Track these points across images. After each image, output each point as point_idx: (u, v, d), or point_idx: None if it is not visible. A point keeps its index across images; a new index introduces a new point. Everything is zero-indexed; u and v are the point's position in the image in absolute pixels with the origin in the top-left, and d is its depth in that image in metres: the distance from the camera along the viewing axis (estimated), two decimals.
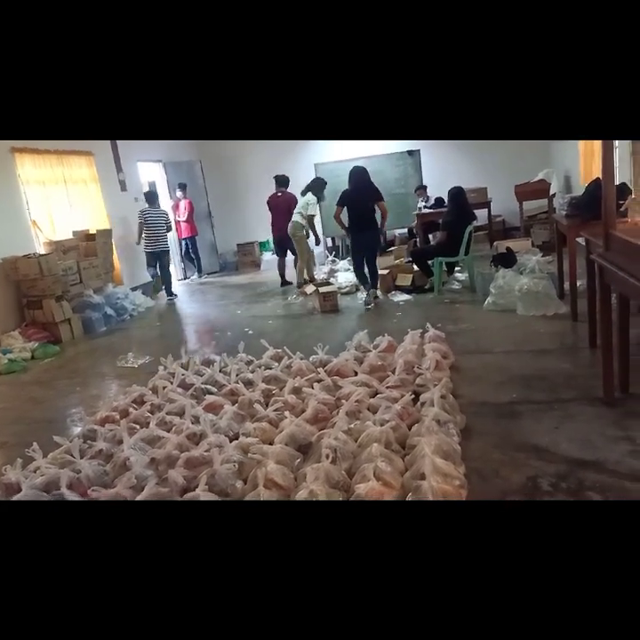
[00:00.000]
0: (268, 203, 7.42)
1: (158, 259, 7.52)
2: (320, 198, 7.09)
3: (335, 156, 9.39)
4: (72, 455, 2.69)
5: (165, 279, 7.67)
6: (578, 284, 4.21)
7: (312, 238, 7.14)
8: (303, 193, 7.09)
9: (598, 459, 2.35)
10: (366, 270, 5.76)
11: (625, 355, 2.82)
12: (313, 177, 7.91)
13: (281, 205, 7.23)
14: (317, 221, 7.56)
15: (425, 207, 7.97)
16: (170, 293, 7.66)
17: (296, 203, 7.13)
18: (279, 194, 7.36)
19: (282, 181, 7.39)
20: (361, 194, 5.54)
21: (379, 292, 5.94)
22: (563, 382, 3.18)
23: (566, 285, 4.58)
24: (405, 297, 5.89)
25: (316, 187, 7.06)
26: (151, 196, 7.59)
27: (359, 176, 5.64)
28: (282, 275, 7.55)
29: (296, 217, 6.91)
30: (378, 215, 5.59)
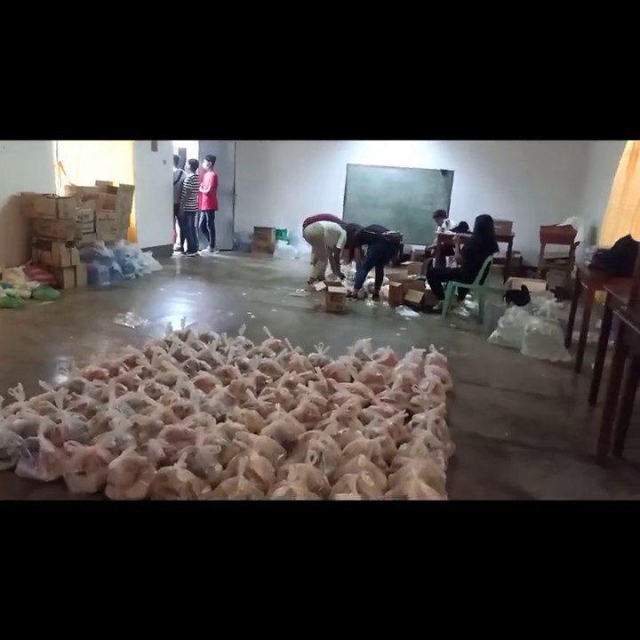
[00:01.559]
0: None
1: (193, 217, 8.72)
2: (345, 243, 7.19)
3: (368, 160, 9.34)
4: (54, 404, 2.64)
5: (195, 236, 8.83)
6: (588, 337, 4.17)
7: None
8: (346, 229, 7.02)
9: None
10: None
11: (626, 417, 2.79)
12: (344, 175, 7.82)
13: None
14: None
15: (447, 229, 7.93)
16: (193, 250, 8.75)
17: None
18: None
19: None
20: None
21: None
22: (556, 432, 3.14)
23: (575, 335, 4.55)
24: (412, 313, 5.85)
25: (350, 234, 6.98)
26: (195, 164, 8.53)
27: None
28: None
29: (320, 226, 6.84)
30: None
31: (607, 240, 5.64)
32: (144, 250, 7.24)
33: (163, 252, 8.05)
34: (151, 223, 7.81)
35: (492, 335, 4.91)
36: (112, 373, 3.23)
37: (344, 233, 6.93)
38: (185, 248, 8.88)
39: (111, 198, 6.64)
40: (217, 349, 3.73)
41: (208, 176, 8.91)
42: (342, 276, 7.19)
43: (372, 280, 6.58)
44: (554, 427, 3.20)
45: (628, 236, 4.06)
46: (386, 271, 6.77)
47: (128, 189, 6.93)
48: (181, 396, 2.91)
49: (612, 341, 2.78)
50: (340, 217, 7.43)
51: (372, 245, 6.54)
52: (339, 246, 7.04)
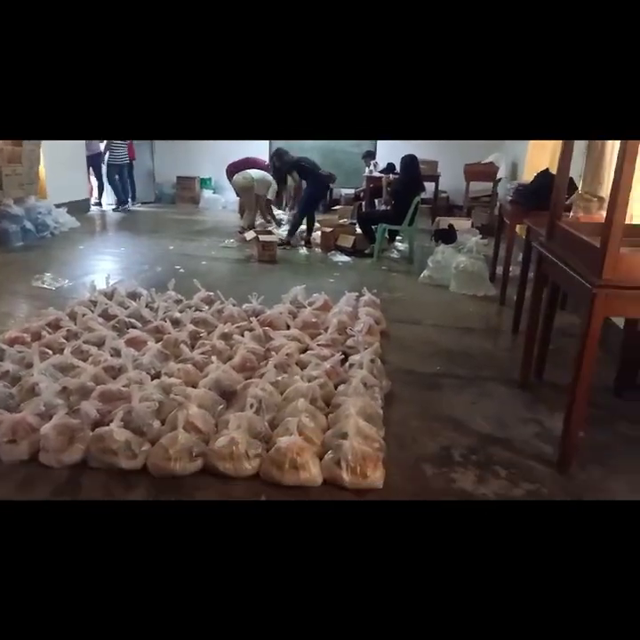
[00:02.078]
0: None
1: (120, 169, 8.41)
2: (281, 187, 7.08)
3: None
4: None
5: (125, 190, 8.55)
6: (510, 270, 4.36)
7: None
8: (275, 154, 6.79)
9: (508, 436, 2.47)
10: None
11: (545, 343, 2.97)
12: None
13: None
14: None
15: (375, 171, 7.91)
16: (124, 202, 8.48)
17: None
18: None
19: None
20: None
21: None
22: (484, 361, 3.31)
23: (499, 270, 4.74)
24: (344, 258, 5.87)
25: (280, 159, 6.71)
26: None
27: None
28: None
29: (249, 176, 6.62)
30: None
31: (531, 174, 5.81)
32: (57, 206, 6.78)
33: (79, 208, 7.57)
34: (63, 177, 7.28)
35: (422, 275, 5.03)
36: (34, 338, 3.05)
37: (274, 183, 6.78)
38: (108, 202, 8.47)
39: (16, 151, 6.10)
40: (146, 306, 3.60)
41: None
42: (278, 223, 7.07)
43: (304, 227, 6.51)
44: (482, 357, 3.36)
45: (546, 170, 4.20)
46: (316, 217, 6.72)
47: (34, 141, 6.38)
48: (112, 355, 2.81)
49: (533, 273, 2.91)
50: (265, 159, 7.21)
51: (307, 186, 6.44)
52: (269, 197, 6.90)
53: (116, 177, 8.37)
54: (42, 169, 6.66)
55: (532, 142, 6.82)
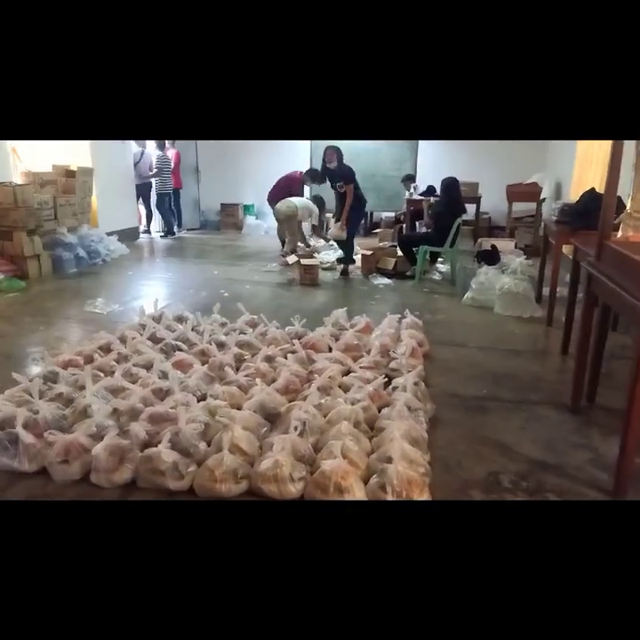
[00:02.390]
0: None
1: (169, 198, 8.72)
2: (320, 214, 7.23)
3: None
4: (30, 395, 2.59)
5: (175, 217, 8.95)
6: (557, 291, 4.25)
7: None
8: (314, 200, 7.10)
9: (559, 463, 2.39)
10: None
11: (597, 365, 2.87)
12: (309, 145, 7.77)
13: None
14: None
15: (416, 194, 7.92)
16: (171, 232, 8.82)
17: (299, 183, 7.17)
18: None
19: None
20: (333, 175, 5.95)
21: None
22: (532, 384, 3.22)
23: (545, 291, 4.63)
24: (385, 281, 5.87)
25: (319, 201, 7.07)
26: (162, 144, 8.50)
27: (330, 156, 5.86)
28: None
29: (293, 205, 6.72)
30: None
31: (577, 193, 5.71)
32: (109, 234, 7.07)
33: (128, 235, 7.88)
34: (113, 206, 7.60)
35: (465, 296, 4.97)
36: (87, 361, 3.17)
37: (316, 209, 6.92)
38: (156, 229, 8.81)
39: (70, 182, 6.43)
40: (192, 329, 3.69)
41: (170, 154, 8.69)
42: (294, 250, 6.99)
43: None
44: (529, 380, 3.28)
45: (592, 189, 4.11)
46: (356, 241, 6.75)
47: (87, 172, 6.72)
48: (159, 378, 2.88)
49: (581, 294, 2.83)
50: (298, 173, 7.29)
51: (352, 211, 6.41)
52: (314, 223, 7.03)
53: (166, 205, 8.68)
54: (94, 199, 6.98)
55: (578, 161, 6.71)
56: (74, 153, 6.88)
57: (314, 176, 6.87)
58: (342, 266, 6.17)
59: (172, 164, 8.65)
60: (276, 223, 7.20)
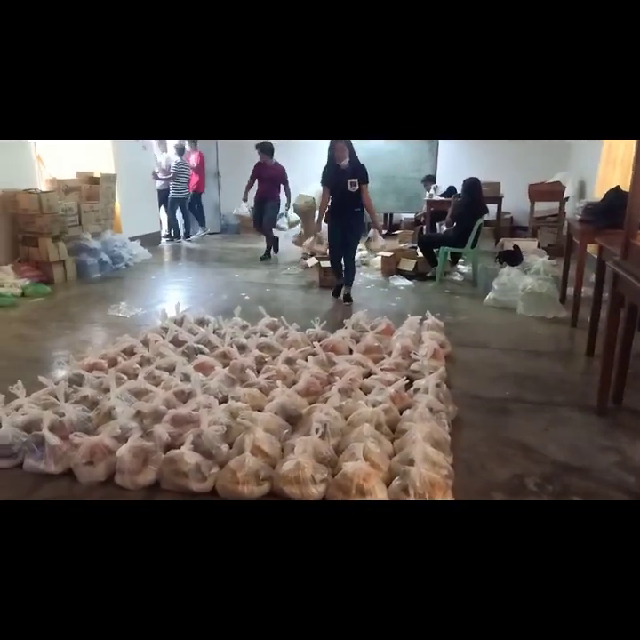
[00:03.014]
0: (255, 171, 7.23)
1: (182, 203, 8.65)
2: None
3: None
4: (56, 397, 2.64)
5: (186, 223, 8.87)
6: (582, 291, 4.18)
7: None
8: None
9: (585, 465, 2.35)
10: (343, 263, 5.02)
11: (624, 366, 2.81)
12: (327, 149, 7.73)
13: (270, 173, 7.07)
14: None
15: (436, 194, 7.87)
16: (188, 235, 8.85)
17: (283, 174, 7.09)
18: (266, 163, 7.09)
19: (268, 150, 7.02)
20: (344, 172, 4.73)
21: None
22: (556, 386, 3.17)
23: (569, 291, 4.55)
24: (406, 282, 5.84)
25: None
26: (181, 150, 8.38)
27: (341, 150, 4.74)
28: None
29: (311, 199, 6.69)
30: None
31: (602, 192, 5.62)
32: (132, 239, 7.17)
33: (151, 240, 7.98)
34: (136, 211, 7.71)
35: (487, 297, 4.92)
36: (111, 364, 3.22)
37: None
38: (164, 234, 8.87)
39: (94, 189, 6.54)
40: (214, 332, 3.72)
41: (193, 156, 8.78)
42: (314, 252, 6.86)
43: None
44: (553, 381, 3.22)
45: (617, 187, 4.04)
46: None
47: (110, 178, 6.83)
48: (182, 380, 2.91)
49: (607, 294, 2.78)
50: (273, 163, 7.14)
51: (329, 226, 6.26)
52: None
53: (174, 211, 8.61)
54: (117, 204, 7.09)
55: (603, 160, 6.59)
56: (97, 160, 7.00)
57: (266, 149, 6.79)
58: (343, 292, 5.05)
59: (191, 170, 8.69)
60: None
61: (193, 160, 8.76)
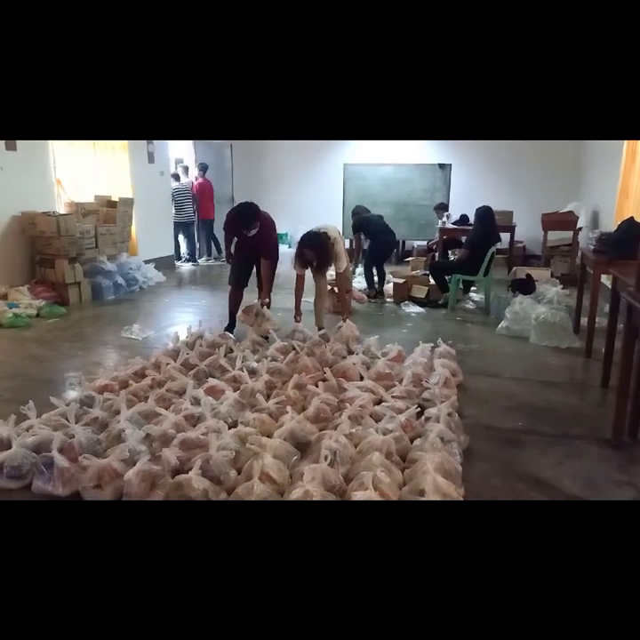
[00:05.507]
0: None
1: (185, 228, 8.83)
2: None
3: (365, 159, 9.33)
4: (67, 419, 2.64)
5: (189, 247, 9.03)
6: (596, 321, 4.14)
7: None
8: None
9: (600, 501, 2.29)
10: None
11: (639, 399, 2.76)
12: (342, 174, 7.81)
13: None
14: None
15: (448, 223, 7.90)
16: (194, 259, 8.98)
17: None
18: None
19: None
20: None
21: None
22: (570, 418, 3.11)
23: (583, 321, 4.52)
24: (418, 309, 5.83)
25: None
26: (177, 177, 8.68)
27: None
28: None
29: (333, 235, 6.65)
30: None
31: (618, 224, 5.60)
32: (146, 262, 7.26)
33: (165, 264, 8.07)
34: (152, 235, 7.83)
35: (499, 326, 4.88)
36: (122, 386, 3.23)
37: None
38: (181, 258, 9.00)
39: (111, 212, 6.66)
40: (225, 356, 3.73)
41: (189, 183, 8.86)
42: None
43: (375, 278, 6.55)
44: (567, 413, 3.17)
45: (631, 218, 4.03)
46: (389, 269, 6.75)
47: (127, 202, 6.95)
48: (192, 404, 2.91)
49: (621, 324, 2.75)
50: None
51: (369, 246, 6.55)
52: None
53: (179, 235, 8.78)
54: (133, 228, 7.20)
55: (619, 190, 6.59)
56: (115, 184, 7.15)
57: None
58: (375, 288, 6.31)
59: (190, 195, 8.70)
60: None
61: (186, 187, 8.73)
